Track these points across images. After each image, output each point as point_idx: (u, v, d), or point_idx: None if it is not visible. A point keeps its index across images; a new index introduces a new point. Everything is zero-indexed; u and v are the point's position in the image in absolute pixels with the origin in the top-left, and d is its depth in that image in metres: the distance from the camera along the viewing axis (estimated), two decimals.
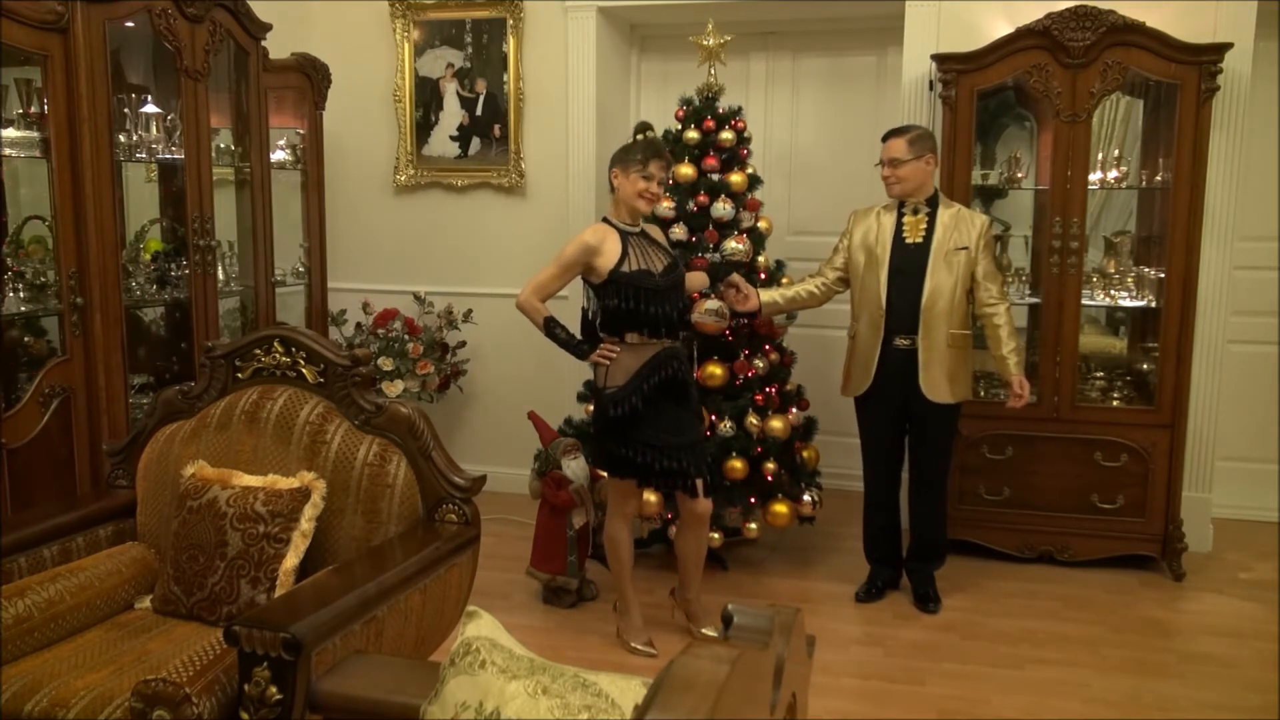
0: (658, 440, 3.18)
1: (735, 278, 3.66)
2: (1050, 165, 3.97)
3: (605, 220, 3.27)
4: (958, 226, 3.53)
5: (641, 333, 3.18)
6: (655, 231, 3.45)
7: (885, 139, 3.57)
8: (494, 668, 1.56)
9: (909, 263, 3.53)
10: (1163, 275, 3.97)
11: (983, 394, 4.20)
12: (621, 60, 5.10)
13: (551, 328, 3.22)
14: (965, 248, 3.50)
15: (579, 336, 3.30)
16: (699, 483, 3.28)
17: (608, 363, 3.19)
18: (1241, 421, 4.58)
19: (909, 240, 3.55)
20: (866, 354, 3.59)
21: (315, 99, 4.38)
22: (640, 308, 3.13)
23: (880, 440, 3.70)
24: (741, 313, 3.70)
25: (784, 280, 3.95)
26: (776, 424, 3.86)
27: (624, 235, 3.21)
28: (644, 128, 3.40)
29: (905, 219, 3.57)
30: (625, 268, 3.15)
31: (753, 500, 3.90)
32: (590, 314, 3.28)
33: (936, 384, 3.52)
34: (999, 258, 4.35)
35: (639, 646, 3.38)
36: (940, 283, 3.50)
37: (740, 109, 4.03)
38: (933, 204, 3.57)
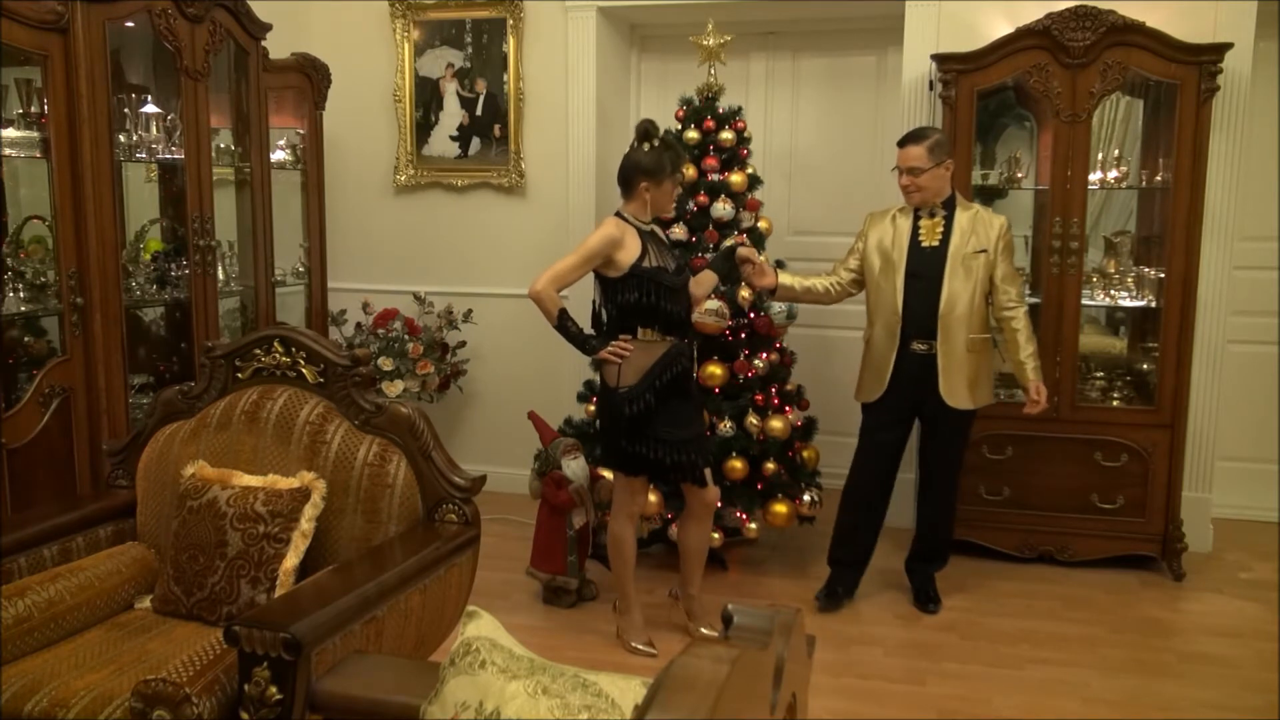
0: (669, 435, 3.20)
1: (749, 252, 3.52)
2: (1050, 165, 3.97)
3: (619, 216, 3.25)
4: (975, 229, 3.47)
5: (655, 329, 3.19)
6: (659, 230, 3.45)
7: (902, 144, 3.47)
8: (494, 668, 1.56)
9: (925, 267, 3.47)
10: (1163, 275, 3.97)
11: None
12: (621, 60, 5.10)
13: (564, 320, 3.20)
14: (984, 250, 3.45)
15: (589, 332, 3.29)
16: (706, 472, 3.32)
17: (619, 361, 3.18)
18: (1241, 421, 4.58)
19: (925, 244, 3.49)
20: (881, 359, 3.54)
21: (315, 99, 4.38)
22: (658, 304, 3.15)
23: (885, 444, 3.63)
24: (759, 288, 3.63)
25: None
26: (776, 424, 3.87)
27: (640, 232, 3.22)
28: (648, 132, 3.25)
29: (921, 222, 3.51)
30: (646, 263, 3.16)
31: (753, 500, 3.90)
32: (602, 311, 3.27)
33: (957, 390, 3.48)
34: None
35: (639, 646, 3.38)
36: (958, 287, 3.44)
37: (740, 109, 4.03)
38: (949, 206, 3.51)
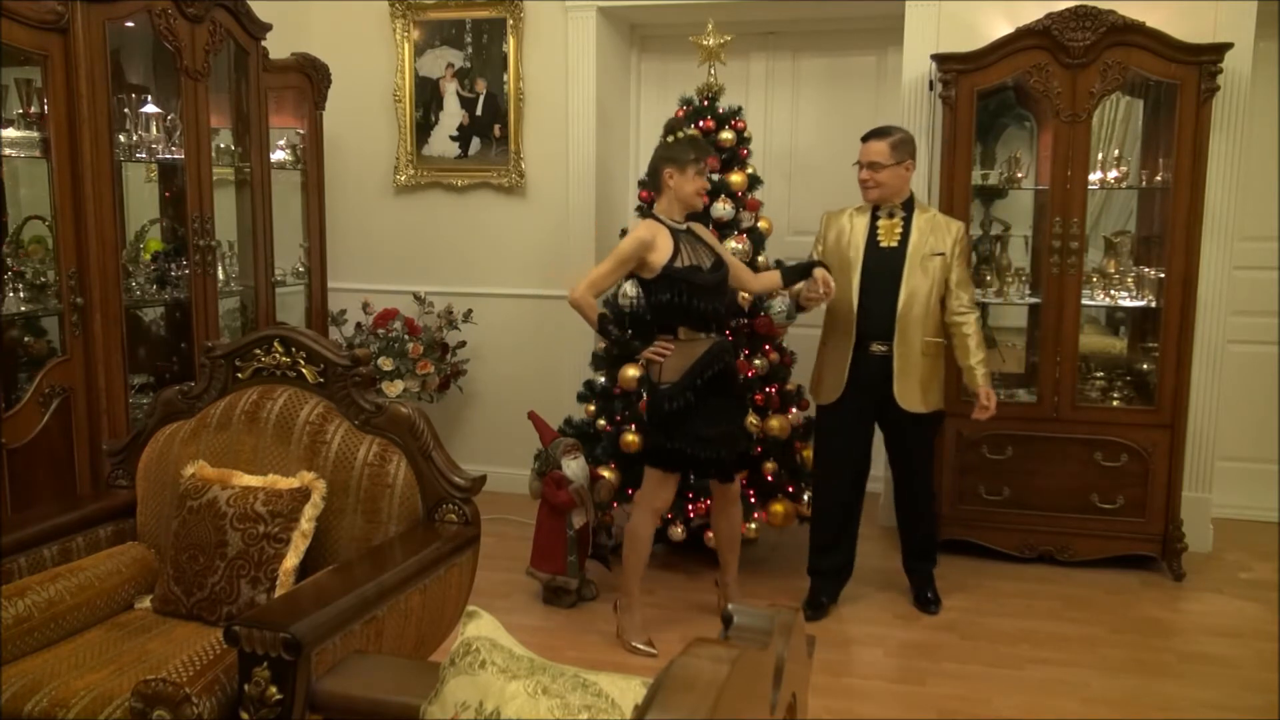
0: (705, 432, 3.25)
1: (826, 276, 3.36)
2: (1050, 165, 3.97)
3: (654, 217, 3.30)
4: (934, 231, 3.48)
5: (692, 327, 3.24)
6: (701, 229, 3.45)
7: (866, 139, 3.49)
8: (494, 668, 1.56)
9: (883, 267, 3.47)
10: (1163, 275, 3.97)
11: None
12: (621, 60, 5.10)
13: (604, 325, 3.30)
14: (941, 253, 3.46)
15: (629, 333, 3.39)
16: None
17: (661, 360, 3.24)
18: (1241, 421, 4.58)
19: (884, 244, 3.49)
20: (839, 360, 3.52)
21: (315, 99, 4.38)
22: (691, 303, 3.20)
23: (848, 449, 3.60)
24: (807, 305, 3.52)
25: None
26: (776, 424, 3.87)
27: (674, 232, 3.27)
28: (672, 128, 3.40)
29: (880, 222, 3.52)
30: (677, 263, 3.21)
31: (753, 500, 3.90)
32: (639, 309, 3.34)
33: (910, 393, 3.48)
34: (999, 258, 4.36)
35: (639, 646, 3.38)
36: (916, 287, 3.45)
37: (740, 109, 4.03)
38: (908, 208, 3.51)
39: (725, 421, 3.33)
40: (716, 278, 3.27)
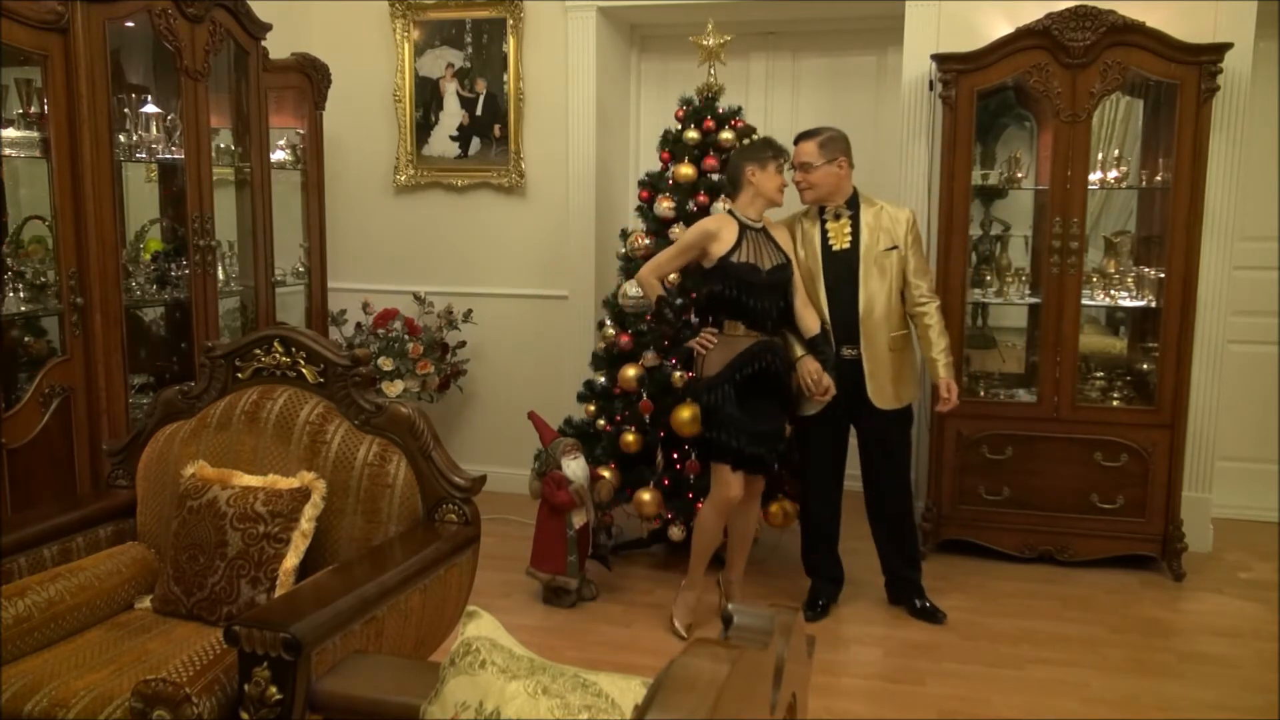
0: (745, 426, 3.28)
1: (830, 385, 3.37)
2: (1050, 165, 3.97)
3: (730, 213, 3.38)
4: (882, 225, 3.46)
5: (741, 323, 3.31)
6: (779, 231, 3.46)
7: (795, 142, 3.50)
8: (494, 668, 1.56)
9: (841, 270, 3.45)
10: (1163, 275, 3.97)
11: (983, 394, 4.20)
12: (621, 60, 5.10)
13: (661, 307, 3.46)
14: (895, 246, 3.45)
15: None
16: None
17: (704, 350, 3.32)
18: (1241, 421, 4.58)
19: (836, 247, 3.47)
20: None
21: (315, 99, 4.38)
22: (741, 298, 3.27)
23: (830, 459, 3.59)
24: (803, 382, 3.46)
25: None
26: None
27: (743, 228, 3.33)
28: (745, 133, 3.61)
29: (829, 225, 3.49)
30: (734, 258, 3.27)
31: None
32: (700, 300, 3.43)
33: (884, 391, 3.47)
34: (999, 258, 4.36)
35: (676, 626, 3.45)
36: (875, 287, 3.43)
37: (740, 109, 4.03)
38: (853, 206, 3.49)
39: (765, 423, 3.35)
40: (772, 279, 3.30)
